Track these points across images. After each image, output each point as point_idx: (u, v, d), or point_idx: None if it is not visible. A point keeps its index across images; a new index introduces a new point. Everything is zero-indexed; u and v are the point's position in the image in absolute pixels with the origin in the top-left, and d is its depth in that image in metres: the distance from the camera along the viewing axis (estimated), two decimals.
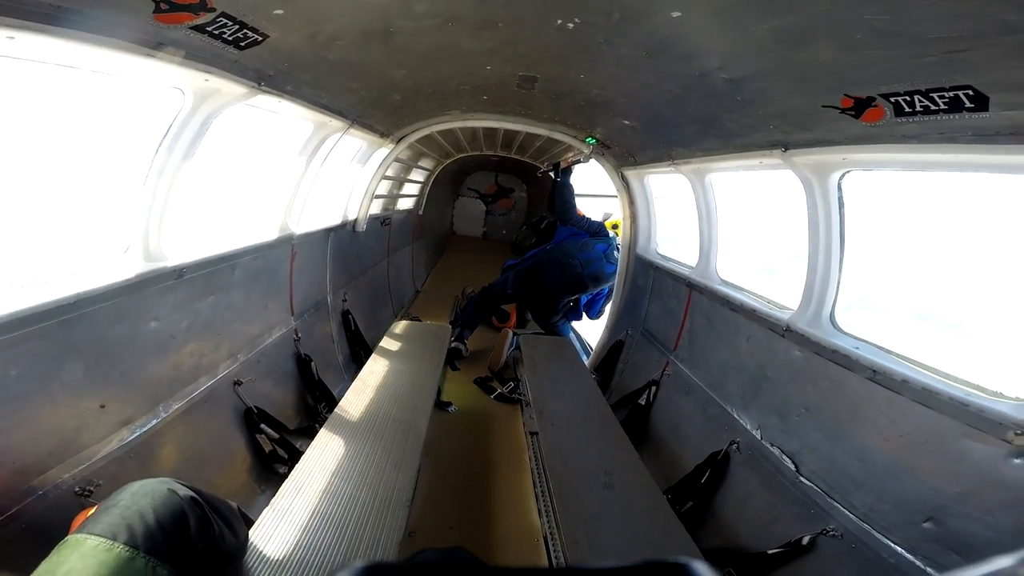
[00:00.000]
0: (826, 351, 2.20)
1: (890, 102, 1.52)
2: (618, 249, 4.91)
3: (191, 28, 1.57)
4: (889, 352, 2.00)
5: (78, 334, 1.83)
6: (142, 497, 1.26)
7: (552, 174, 5.60)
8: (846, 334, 2.24)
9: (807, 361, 2.33)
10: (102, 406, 1.93)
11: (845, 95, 1.62)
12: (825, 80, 1.62)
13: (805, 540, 1.95)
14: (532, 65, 2.39)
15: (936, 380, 1.73)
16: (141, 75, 1.79)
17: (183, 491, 1.34)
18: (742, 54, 1.71)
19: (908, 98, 1.45)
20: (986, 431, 1.52)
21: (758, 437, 2.49)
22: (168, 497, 1.29)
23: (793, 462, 2.24)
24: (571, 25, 1.78)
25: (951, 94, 1.34)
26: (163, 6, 1.42)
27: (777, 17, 1.38)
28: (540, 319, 5.52)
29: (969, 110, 1.34)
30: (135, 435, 2.04)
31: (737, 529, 2.40)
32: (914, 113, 1.49)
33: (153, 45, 1.60)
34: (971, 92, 1.29)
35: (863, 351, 2.04)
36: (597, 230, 5.01)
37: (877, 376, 1.92)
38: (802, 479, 2.16)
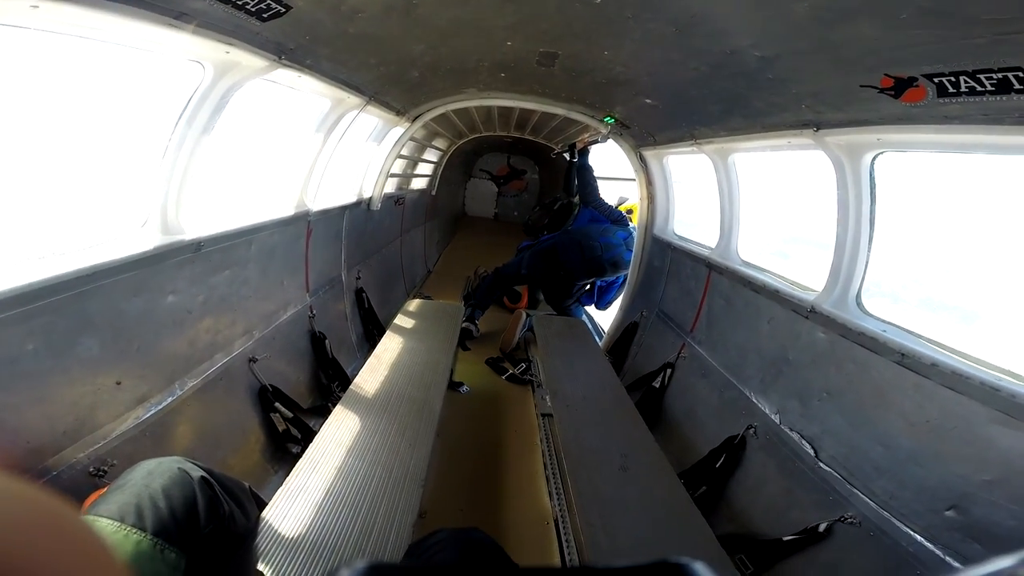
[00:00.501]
0: (852, 333, 2.16)
1: (933, 82, 1.45)
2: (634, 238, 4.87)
3: None
4: (918, 336, 1.96)
5: (94, 308, 1.81)
6: (154, 477, 1.26)
7: (567, 156, 5.51)
8: (873, 317, 2.19)
9: (831, 344, 2.29)
10: (118, 383, 1.91)
11: (885, 75, 1.55)
12: (864, 60, 1.54)
13: (822, 527, 1.93)
14: (554, 41, 2.32)
15: (966, 364, 1.68)
16: (162, 47, 1.76)
17: (195, 471, 1.34)
18: (777, 32, 1.63)
19: (953, 79, 1.38)
20: (1018, 417, 1.48)
21: (777, 421, 2.46)
22: (180, 477, 1.29)
23: (812, 447, 2.21)
24: (598, 0, 1.71)
25: (1000, 75, 1.27)
26: None
27: None
28: (554, 301, 5.49)
29: (1018, 91, 1.27)
30: (150, 413, 2.03)
31: (751, 515, 2.38)
32: (958, 94, 1.42)
33: (175, 15, 1.56)
34: (1021, 74, 1.23)
35: (891, 334, 1.99)
36: (618, 218, 4.96)
37: (905, 360, 1.87)
38: (821, 464, 2.13)
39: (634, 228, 4.93)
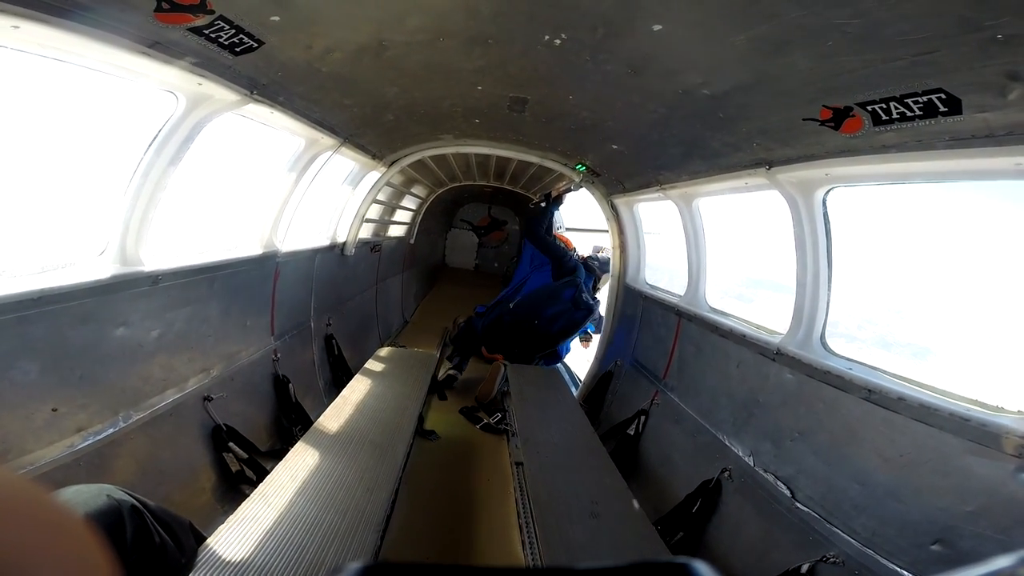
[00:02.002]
0: (818, 373, 2.16)
1: (867, 111, 1.55)
2: (587, 289, 4.79)
3: (189, 29, 1.58)
4: (883, 372, 1.96)
5: (37, 332, 1.75)
6: (76, 504, 1.18)
7: (543, 204, 5.65)
8: (838, 355, 2.20)
9: (799, 384, 2.28)
10: (54, 409, 1.82)
11: (824, 106, 1.65)
12: (803, 91, 1.65)
13: (804, 568, 1.85)
14: (522, 86, 2.44)
15: (934, 397, 1.68)
16: (136, 75, 1.80)
17: (124, 499, 1.27)
18: (722, 68, 1.74)
19: (884, 105, 1.48)
20: (991, 446, 1.47)
21: (751, 464, 2.40)
22: (105, 504, 1.22)
23: (788, 488, 2.14)
24: (558, 42, 1.82)
25: (924, 99, 1.36)
26: (164, 5, 1.44)
27: (752, 26, 1.42)
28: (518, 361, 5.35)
29: (943, 114, 1.36)
30: (87, 442, 1.92)
31: (730, 560, 2.27)
32: (891, 121, 1.51)
33: (149, 44, 1.61)
34: (943, 95, 1.31)
35: (856, 371, 2.00)
36: (562, 263, 4.75)
37: (872, 395, 1.87)
38: (799, 505, 2.06)
39: (584, 276, 4.85)
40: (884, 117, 1.50)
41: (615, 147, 3.18)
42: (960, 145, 1.44)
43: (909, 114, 1.42)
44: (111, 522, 1.20)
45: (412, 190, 6.03)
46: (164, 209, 2.20)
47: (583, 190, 4.45)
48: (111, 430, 2.04)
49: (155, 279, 2.24)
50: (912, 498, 1.67)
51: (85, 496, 1.22)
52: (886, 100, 1.43)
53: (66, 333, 1.87)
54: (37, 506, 0.34)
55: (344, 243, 4.48)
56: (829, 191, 2.17)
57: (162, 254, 2.32)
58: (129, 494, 1.30)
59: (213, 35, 1.65)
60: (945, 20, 1.09)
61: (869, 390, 1.90)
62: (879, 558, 1.68)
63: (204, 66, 1.84)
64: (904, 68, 1.29)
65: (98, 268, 2.03)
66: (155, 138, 2.07)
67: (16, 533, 0.30)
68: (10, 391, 1.66)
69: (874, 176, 1.91)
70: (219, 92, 2.03)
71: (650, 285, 4.27)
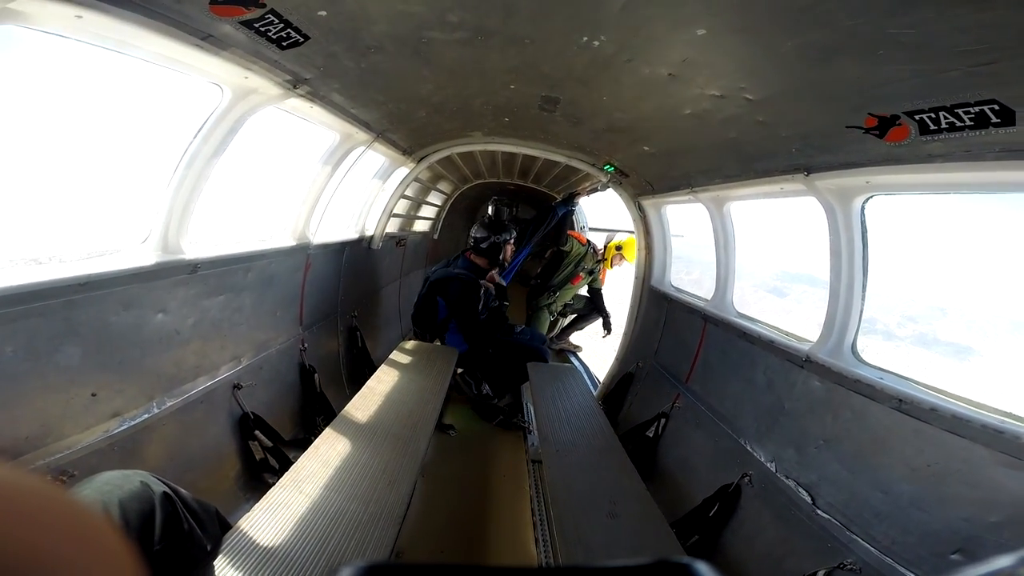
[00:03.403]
0: (848, 381, 2.13)
1: (915, 120, 1.51)
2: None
3: (240, 22, 1.63)
4: (916, 382, 1.93)
5: (82, 317, 1.81)
6: (111, 488, 1.23)
7: (564, 206, 5.65)
8: (869, 365, 2.16)
9: (828, 392, 2.25)
10: (93, 394, 1.88)
11: (869, 114, 1.62)
12: (849, 98, 1.61)
13: (820, 574, 1.84)
14: (555, 85, 2.44)
15: (967, 408, 1.65)
16: (188, 67, 1.86)
17: (157, 485, 1.31)
18: (765, 73, 1.72)
19: (933, 115, 1.44)
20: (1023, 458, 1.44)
21: (773, 470, 2.38)
22: (140, 490, 1.26)
23: (810, 495, 2.12)
24: (597, 43, 1.81)
25: (976, 109, 1.33)
26: None
27: (801, 33, 1.39)
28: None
29: (995, 125, 1.32)
30: (122, 427, 1.98)
31: (746, 564, 2.26)
32: (939, 131, 1.48)
33: (203, 36, 1.66)
34: (997, 107, 1.28)
35: (888, 381, 1.97)
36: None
37: (903, 405, 1.84)
38: (819, 512, 2.04)
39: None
40: (932, 127, 1.46)
41: (646, 148, 3.15)
42: (1011, 156, 1.41)
43: (959, 124, 1.39)
44: (143, 508, 1.24)
45: (438, 186, 6.07)
46: (206, 198, 2.28)
47: (609, 191, 4.43)
48: (145, 416, 2.10)
49: (194, 267, 2.31)
50: (936, 508, 1.65)
51: (120, 481, 1.26)
52: (936, 110, 1.40)
53: (109, 318, 1.93)
54: (60, 508, 0.34)
55: (372, 237, 4.55)
56: (868, 199, 2.13)
57: (201, 243, 2.40)
58: (161, 481, 1.35)
59: (263, 28, 1.69)
60: (1004, 32, 1.07)
61: (900, 400, 1.87)
62: (897, 566, 1.67)
63: (252, 60, 1.89)
64: (958, 79, 1.26)
65: (141, 255, 2.10)
66: (200, 130, 2.13)
67: (38, 536, 0.30)
68: (54, 374, 1.72)
69: (918, 185, 1.87)
70: (264, 86, 2.08)
71: (675, 288, 4.23)
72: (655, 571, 0.35)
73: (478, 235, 4.32)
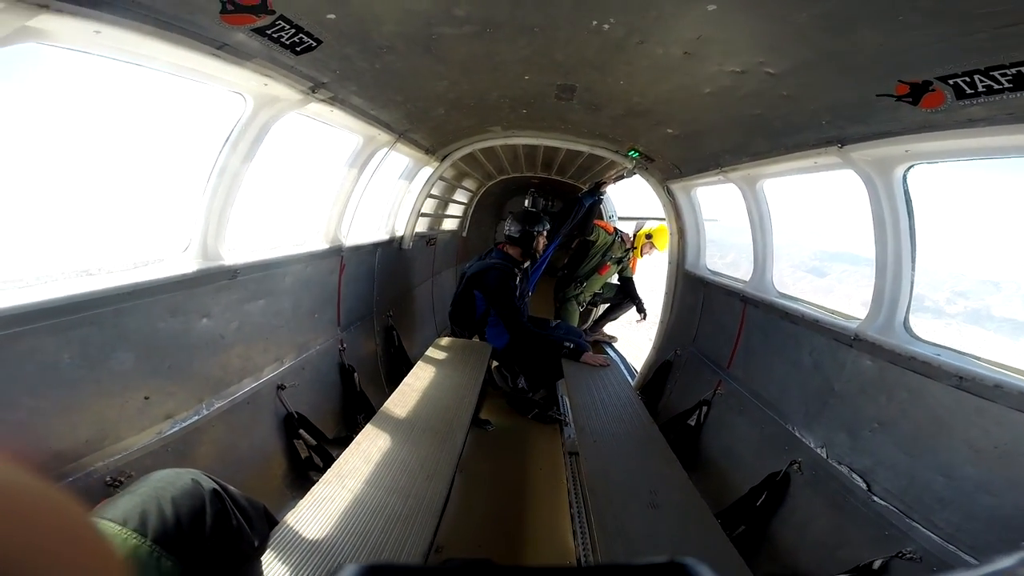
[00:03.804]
0: (902, 359, 2.00)
1: (949, 85, 1.40)
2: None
3: (253, 30, 1.67)
4: (976, 358, 1.79)
5: (132, 324, 1.90)
6: (165, 485, 1.27)
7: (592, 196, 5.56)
8: (924, 341, 2.03)
9: (880, 371, 2.12)
10: (146, 398, 1.98)
11: (900, 81, 1.51)
12: (875, 67, 1.51)
13: (876, 564, 1.74)
14: (570, 73, 2.40)
15: None
16: (208, 77, 1.92)
17: (207, 483, 1.35)
18: (782, 46, 1.63)
19: (968, 79, 1.34)
20: None
21: (823, 456, 2.26)
22: (191, 487, 1.30)
23: (864, 481, 2.01)
24: (607, 26, 1.76)
25: (1013, 71, 1.23)
26: (229, 6, 1.53)
27: (815, 2, 1.32)
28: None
29: None
30: (174, 429, 2.08)
31: (796, 554, 2.16)
32: (977, 95, 1.37)
33: (218, 46, 1.72)
34: None
35: (945, 357, 1.83)
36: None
37: (964, 383, 1.71)
38: (875, 499, 1.93)
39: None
40: (968, 91, 1.36)
41: (669, 131, 3.06)
42: None
43: (996, 87, 1.28)
44: (194, 504, 1.27)
45: (463, 183, 6.11)
46: (240, 206, 2.36)
47: (636, 177, 4.33)
48: (195, 417, 2.20)
49: (234, 273, 2.41)
50: (1006, 492, 1.53)
51: (172, 479, 1.31)
52: (969, 73, 1.30)
53: (157, 325, 2.03)
54: (47, 505, 0.34)
55: (402, 237, 4.62)
56: (910, 168, 1.99)
57: (239, 249, 2.49)
58: (212, 479, 1.38)
59: (275, 35, 1.73)
60: None
61: (960, 377, 1.74)
62: (962, 554, 1.55)
63: (269, 67, 1.95)
64: (986, 41, 1.17)
65: (183, 263, 2.20)
66: (227, 139, 2.21)
67: (26, 535, 0.30)
68: (108, 379, 1.82)
69: (961, 152, 1.73)
70: (283, 92, 2.14)
71: (712, 271, 4.10)
72: (655, 571, 0.35)
73: (512, 226, 4.29)
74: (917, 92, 1.52)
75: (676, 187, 4.14)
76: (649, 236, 6.30)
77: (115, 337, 1.84)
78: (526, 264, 4.41)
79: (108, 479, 1.75)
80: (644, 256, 6.43)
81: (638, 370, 5.13)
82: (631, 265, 6.46)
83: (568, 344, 3.96)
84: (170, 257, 2.21)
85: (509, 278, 4.10)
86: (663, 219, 4.63)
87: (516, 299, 4.15)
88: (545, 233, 4.35)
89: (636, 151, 3.79)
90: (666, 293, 4.65)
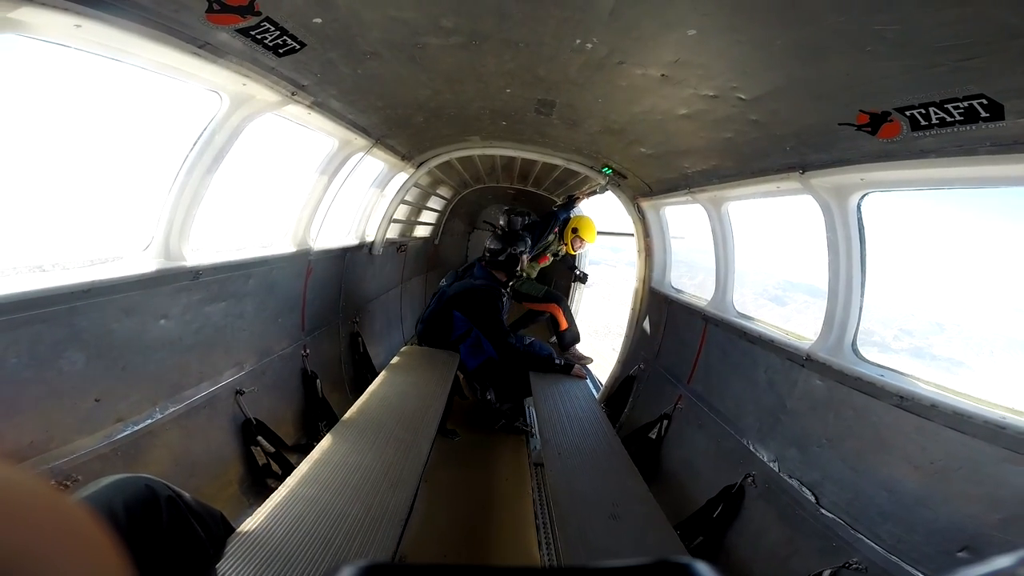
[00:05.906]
0: (849, 379, 2.12)
1: (906, 116, 1.52)
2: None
3: (237, 30, 1.65)
4: (916, 379, 1.93)
5: (85, 323, 1.83)
6: (115, 491, 1.21)
7: (565, 208, 5.63)
8: (870, 362, 2.16)
9: (829, 391, 2.24)
10: (97, 400, 1.90)
11: (860, 111, 1.63)
12: (839, 96, 1.62)
13: (826, 574, 1.82)
14: (551, 88, 2.46)
15: (968, 404, 1.64)
16: (186, 75, 1.88)
17: (163, 490, 1.31)
18: (756, 72, 1.73)
19: (923, 111, 1.45)
20: None
21: (775, 470, 2.37)
22: (144, 493, 1.25)
23: (813, 494, 2.11)
24: (590, 45, 1.83)
25: (965, 104, 1.33)
26: (215, 6, 1.51)
27: (789, 31, 1.40)
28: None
29: (985, 119, 1.33)
30: (125, 432, 2.00)
31: (751, 565, 2.25)
32: (930, 126, 1.48)
33: (200, 44, 1.68)
34: (985, 101, 1.29)
35: (888, 378, 1.96)
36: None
37: (905, 403, 1.83)
38: (823, 511, 2.03)
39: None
40: (923, 122, 1.47)
41: (643, 150, 3.17)
42: (1002, 151, 1.41)
43: (949, 119, 1.39)
44: (148, 511, 1.23)
45: (438, 191, 6.10)
46: (207, 206, 2.30)
47: (608, 193, 4.44)
48: (148, 421, 2.12)
49: (196, 274, 2.33)
50: (941, 505, 1.64)
51: (124, 485, 1.25)
52: (925, 105, 1.41)
53: (111, 325, 1.95)
54: (48, 506, 0.34)
55: (372, 242, 4.57)
56: (864, 196, 2.13)
57: (202, 250, 2.41)
58: (166, 484, 1.34)
59: (259, 36, 1.72)
60: (988, 26, 1.08)
61: (901, 397, 1.86)
62: (904, 564, 1.65)
63: (249, 67, 1.92)
64: (945, 74, 1.27)
65: (143, 262, 2.12)
66: (199, 137, 2.16)
67: (25, 533, 0.30)
68: (58, 380, 1.74)
69: (912, 181, 1.87)
70: (262, 93, 2.10)
71: (676, 289, 4.23)
72: (656, 571, 0.35)
73: (493, 247, 4.26)
74: (876, 122, 1.63)
75: (646, 205, 4.27)
76: (575, 230, 5.87)
77: (67, 336, 1.76)
78: (510, 284, 4.43)
79: (54, 482, 1.66)
80: (577, 251, 6.15)
81: (603, 383, 5.21)
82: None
83: (559, 361, 4.05)
84: (129, 255, 2.12)
85: (497, 299, 4.10)
86: (631, 233, 4.69)
87: (503, 320, 4.16)
88: (528, 250, 4.40)
89: (610, 168, 3.90)
90: (632, 309, 4.76)
